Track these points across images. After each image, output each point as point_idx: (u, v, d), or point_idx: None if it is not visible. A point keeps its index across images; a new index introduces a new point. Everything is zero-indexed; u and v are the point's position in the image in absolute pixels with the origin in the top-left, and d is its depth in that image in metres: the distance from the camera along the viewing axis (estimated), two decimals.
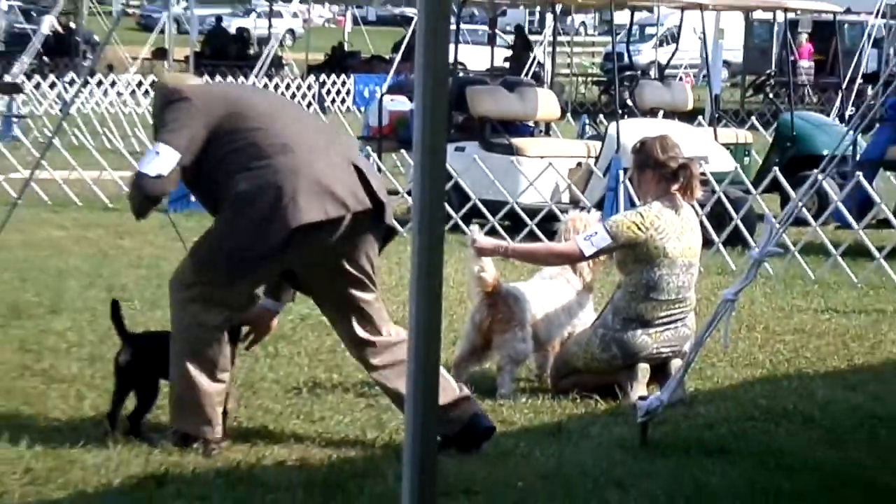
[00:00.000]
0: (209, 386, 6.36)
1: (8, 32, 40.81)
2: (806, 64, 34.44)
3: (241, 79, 29.41)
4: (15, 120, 23.25)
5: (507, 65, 31.23)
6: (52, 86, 26.75)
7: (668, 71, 22.51)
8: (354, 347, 6.55)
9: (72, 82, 27.33)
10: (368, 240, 6.41)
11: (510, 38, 39.69)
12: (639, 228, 7.59)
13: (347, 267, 6.38)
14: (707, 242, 12.27)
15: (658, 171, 7.68)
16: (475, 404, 6.62)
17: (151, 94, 27.44)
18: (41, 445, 6.32)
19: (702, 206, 12.35)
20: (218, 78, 29.23)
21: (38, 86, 26.68)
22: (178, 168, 6.27)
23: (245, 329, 6.70)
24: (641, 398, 7.07)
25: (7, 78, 27.71)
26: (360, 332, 6.47)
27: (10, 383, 7.54)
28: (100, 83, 27.44)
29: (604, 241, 7.58)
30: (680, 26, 19.46)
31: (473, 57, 34.76)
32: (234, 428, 6.73)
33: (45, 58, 35.83)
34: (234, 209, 6.27)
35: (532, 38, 40.52)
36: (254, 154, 6.26)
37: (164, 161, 6.27)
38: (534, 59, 29.16)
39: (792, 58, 24.21)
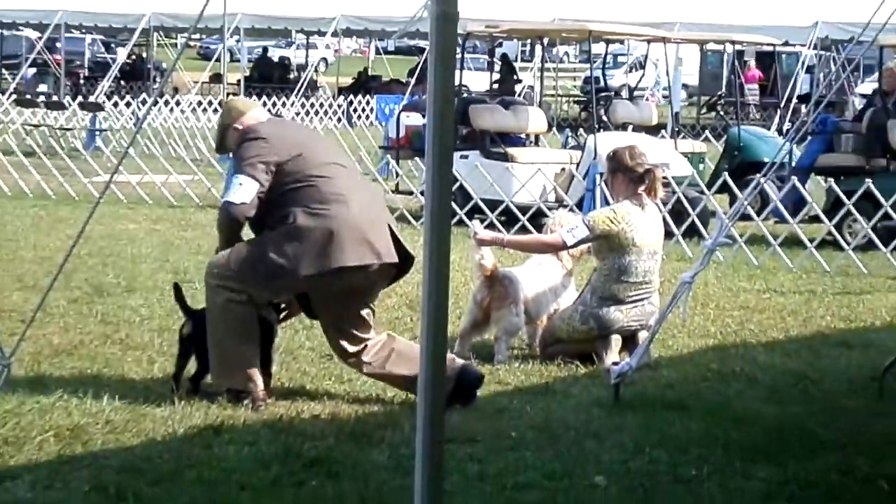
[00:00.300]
0: (245, 349, 6.36)
1: (92, 60, 40.79)
2: (752, 86, 34.34)
3: (284, 98, 29.44)
4: (98, 133, 23.25)
5: (495, 86, 31.10)
6: (128, 105, 26.71)
7: (636, 92, 22.45)
8: (342, 357, 6.58)
9: (144, 102, 27.33)
10: (384, 283, 6.55)
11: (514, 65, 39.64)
12: (612, 222, 7.59)
13: (360, 300, 6.46)
14: (668, 234, 12.25)
15: (627, 175, 7.68)
16: (457, 361, 6.60)
17: (209, 111, 27.50)
18: (119, 401, 6.32)
19: (664, 203, 12.31)
20: (264, 98, 29.27)
21: (116, 105, 26.64)
22: (256, 196, 6.29)
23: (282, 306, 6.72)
24: (614, 363, 7.06)
25: (91, 98, 27.69)
26: (350, 347, 6.52)
27: (93, 350, 7.54)
28: (167, 102, 27.42)
29: (583, 232, 7.59)
30: (646, 56, 19.38)
31: (475, 80, 34.66)
32: (277, 387, 6.73)
33: (121, 81, 35.84)
34: (288, 236, 6.26)
35: (523, 65, 40.44)
36: (315, 197, 6.29)
37: (246, 190, 6.29)
38: (520, 82, 29.01)
39: (739, 81, 24.11)
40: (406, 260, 6.50)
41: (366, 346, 6.53)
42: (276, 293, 6.48)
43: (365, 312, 6.50)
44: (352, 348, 6.52)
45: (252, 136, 6.43)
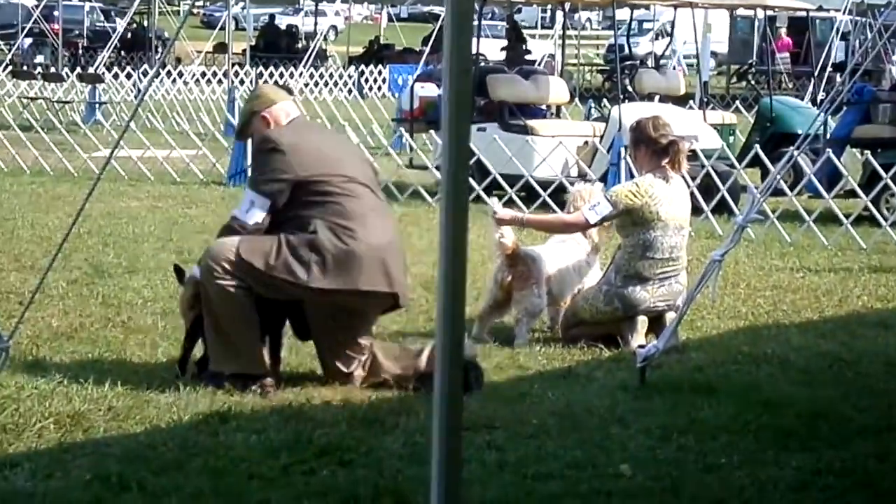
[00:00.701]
0: (245, 333, 6.38)
1: (90, 30, 40.81)
2: (784, 55, 34.19)
3: (291, 69, 29.43)
4: (97, 106, 23.28)
5: (503, 54, 31.04)
6: (129, 76, 26.74)
7: (662, 61, 22.37)
8: (336, 378, 6.60)
9: (145, 73, 27.35)
10: (382, 307, 6.62)
11: (525, 32, 39.51)
12: (635, 196, 7.58)
13: (358, 323, 6.55)
14: (697, 210, 12.22)
15: (651, 147, 7.68)
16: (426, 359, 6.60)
17: (213, 82, 27.49)
18: (121, 387, 6.35)
19: (692, 178, 12.29)
20: (271, 69, 29.24)
21: (116, 76, 26.67)
22: (269, 215, 6.34)
23: None
24: (640, 346, 7.06)
25: (90, 69, 27.72)
26: (343, 368, 6.58)
27: (94, 333, 7.57)
28: (169, 73, 27.44)
29: (606, 209, 7.59)
30: (673, 22, 19.32)
31: (493, 49, 34.60)
32: (286, 373, 6.75)
33: (122, 52, 35.85)
34: (308, 245, 6.30)
35: (544, 32, 40.30)
36: (339, 213, 6.34)
37: (259, 210, 6.34)
38: (529, 52, 28.79)
39: (771, 48, 24.01)
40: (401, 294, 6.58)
41: (359, 363, 6.59)
42: (276, 293, 6.44)
43: (359, 337, 6.57)
44: (345, 369, 6.58)
45: (271, 146, 6.40)
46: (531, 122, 14.49)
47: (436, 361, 3.79)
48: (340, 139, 6.77)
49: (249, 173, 6.55)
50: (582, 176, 13.59)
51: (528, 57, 29.58)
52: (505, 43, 19.79)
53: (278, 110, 6.58)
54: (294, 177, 6.33)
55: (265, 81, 27.43)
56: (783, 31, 35.00)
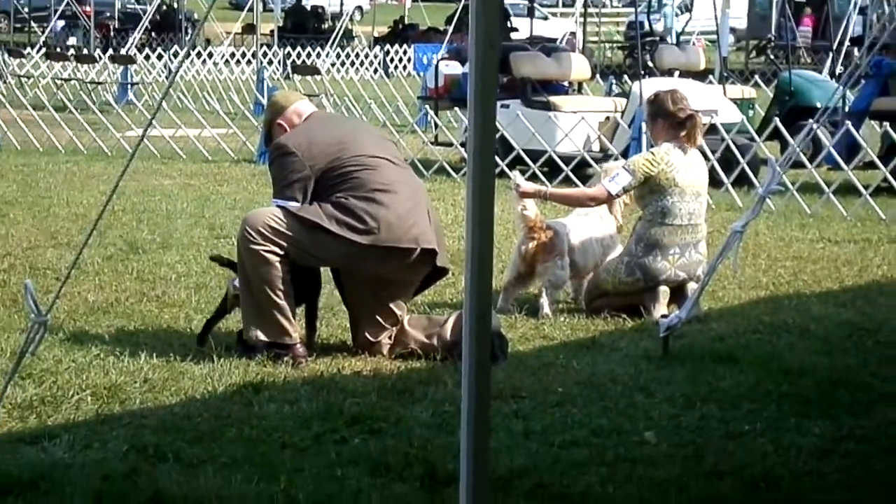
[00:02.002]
0: (280, 302, 6.40)
1: (121, 12, 40.86)
2: (805, 28, 33.96)
3: (318, 49, 29.40)
4: (129, 87, 23.32)
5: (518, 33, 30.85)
6: (160, 57, 26.79)
7: (682, 36, 22.26)
8: (364, 348, 6.63)
9: (176, 54, 27.37)
10: (419, 271, 6.60)
11: (547, 10, 39.39)
12: (652, 164, 7.60)
13: (393, 290, 6.57)
14: (717, 183, 12.19)
15: (668, 120, 7.68)
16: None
17: (242, 63, 27.51)
18: (156, 359, 6.37)
19: (713, 152, 12.25)
20: (298, 49, 29.21)
21: (147, 57, 26.73)
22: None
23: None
24: (663, 316, 7.05)
25: (122, 51, 27.76)
26: (371, 337, 6.61)
27: (129, 307, 7.59)
28: (199, 54, 27.46)
29: (625, 179, 7.60)
30: None
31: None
32: (317, 344, 6.76)
33: (153, 33, 35.88)
34: (339, 207, 6.36)
35: (565, 10, 40.15)
36: (364, 186, 6.41)
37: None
38: (516, 30, 28.48)
39: (789, 24, 23.84)
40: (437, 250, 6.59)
41: (389, 334, 6.62)
42: (313, 256, 6.50)
43: (394, 304, 6.57)
44: (373, 338, 6.60)
45: (281, 152, 6.50)
46: (553, 99, 14.44)
47: (463, 332, 3.79)
48: (355, 124, 6.86)
49: (272, 185, 6.61)
50: (603, 151, 13.56)
51: (513, 35, 29.32)
52: (532, 23, 19.63)
53: (290, 114, 6.68)
54: (309, 172, 6.43)
55: (292, 62, 27.45)
56: (808, 8, 34.74)
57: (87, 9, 33.46)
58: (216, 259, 7.03)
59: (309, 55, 29.19)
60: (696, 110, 7.80)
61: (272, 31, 31.40)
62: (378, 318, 6.58)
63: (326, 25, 37.73)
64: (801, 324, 7.40)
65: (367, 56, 30.76)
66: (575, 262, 7.80)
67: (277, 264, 6.38)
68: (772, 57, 22.79)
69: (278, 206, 6.43)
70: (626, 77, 19.62)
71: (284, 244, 6.37)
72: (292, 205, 6.40)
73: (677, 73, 15.25)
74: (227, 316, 6.79)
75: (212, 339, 6.64)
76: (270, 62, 28.10)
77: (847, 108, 13.96)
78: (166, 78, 25.49)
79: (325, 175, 6.43)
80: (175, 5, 37.35)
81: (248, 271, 6.42)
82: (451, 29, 24.68)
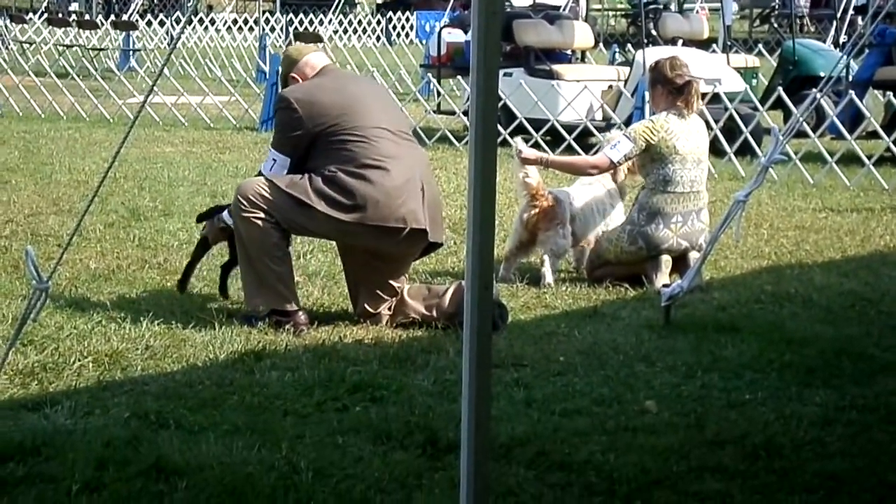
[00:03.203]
0: (279, 269, 6.42)
1: None
2: None
3: (321, 16, 29.30)
4: (131, 53, 23.26)
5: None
6: (161, 24, 26.70)
7: (686, 5, 22.16)
8: (363, 316, 6.63)
9: (178, 20, 27.29)
10: (411, 248, 6.58)
11: None
12: (652, 132, 7.60)
13: (388, 267, 6.58)
14: (720, 152, 12.17)
15: (667, 87, 7.69)
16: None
17: (245, 30, 27.43)
18: (158, 326, 6.37)
19: (716, 121, 12.21)
20: (301, 16, 29.12)
21: (149, 24, 26.64)
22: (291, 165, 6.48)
23: None
24: (665, 285, 7.05)
25: (124, 17, 27.69)
26: (370, 308, 6.60)
27: (131, 275, 7.59)
28: (201, 21, 27.37)
29: (626, 146, 7.60)
30: None
31: None
32: (318, 312, 6.77)
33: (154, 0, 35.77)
34: (329, 182, 6.34)
35: None
36: (356, 160, 6.38)
37: (280, 167, 6.48)
38: None
39: None
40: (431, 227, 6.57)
41: (388, 305, 6.62)
42: (302, 227, 6.52)
43: (390, 276, 6.58)
44: (372, 310, 6.60)
45: (284, 104, 6.52)
46: (556, 67, 14.39)
47: (465, 301, 3.78)
48: (365, 88, 6.73)
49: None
50: (606, 120, 13.52)
51: (516, 2, 29.11)
52: None
53: (302, 66, 6.68)
54: (306, 132, 6.43)
55: (294, 29, 27.37)
56: None
57: None
58: (201, 218, 7.03)
59: (311, 22, 29.10)
60: (694, 77, 7.79)
61: None
62: (376, 290, 6.58)
63: None
64: (804, 293, 7.39)
65: (369, 23, 30.66)
66: (574, 230, 7.79)
67: (271, 230, 6.38)
68: (775, 25, 22.73)
69: (266, 179, 6.42)
70: (629, 45, 19.56)
71: (274, 212, 6.37)
72: (282, 178, 6.38)
73: (681, 41, 15.20)
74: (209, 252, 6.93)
75: (212, 308, 6.64)
76: (273, 29, 28.01)
77: (850, 78, 13.92)
78: (168, 44, 25.41)
79: (322, 137, 6.41)
80: None
81: (245, 240, 6.42)
82: None
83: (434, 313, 6.56)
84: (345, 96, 6.53)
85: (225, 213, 6.70)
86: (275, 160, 6.49)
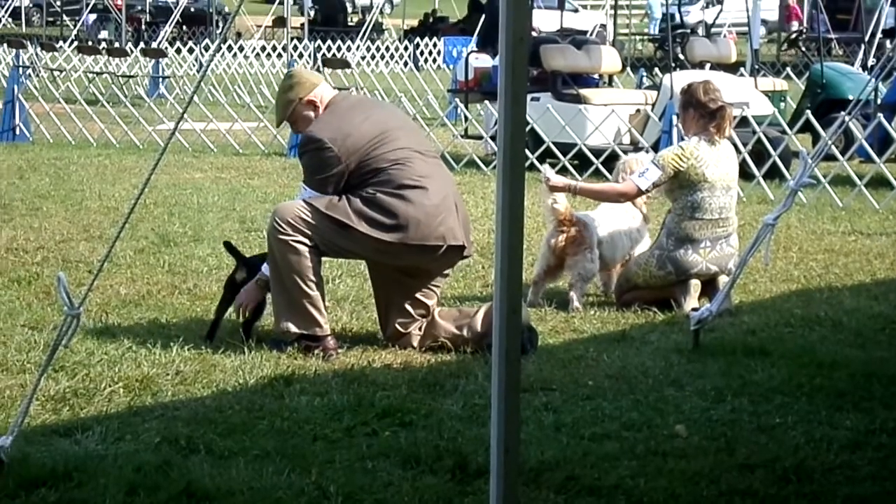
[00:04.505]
0: (313, 293, 6.41)
1: (153, 5, 41.01)
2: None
3: (349, 42, 29.41)
4: (161, 80, 23.41)
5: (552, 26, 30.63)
6: (191, 51, 26.86)
7: (713, 29, 22.16)
8: (393, 340, 6.64)
9: (207, 47, 27.45)
10: (447, 263, 6.63)
11: (577, 3, 39.28)
12: (681, 159, 7.58)
13: (419, 281, 6.58)
14: (748, 176, 12.14)
15: (699, 111, 7.67)
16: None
17: (273, 56, 27.55)
18: (188, 352, 6.40)
19: (744, 144, 12.20)
20: (328, 42, 29.22)
21: (178, 51, 26.80)
22: None
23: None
24: (694, 309, 7.03)
25: (153, 44, 27.86)
26: (401, 328, 6.61)
27: (161, 300, 7.63)
28: (230, 48, 27.52)
29: (655, 174, 7.58)
30: None
31: (545, 20, 34.41)
32: (347, 337, 6.78)
33: (183, 27, 36.00)
34: (368, 202, 6.36)
35: (595, 2, 40.01)
36: (394, 182, 6.40)
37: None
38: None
39: (822, 15, 23.72)
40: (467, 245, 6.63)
41: (419, 325, 6.62)
42: (342, 250, 6.53)
43: (421, 294, 6.58)
44: (403, 330, 6.60)
45: (316, 146, 6.44)
46: (584, 91, 14.40)
47: (493, 325, 3.79)
48: (385, 114, 6.72)
49: (304, 173, 6.60)
50: (634, 144, 13.51)
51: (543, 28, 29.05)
52: (562, 15, 19.61)
53: (320, 92, 6.61)
54: (343, 168, 6.42)
55: (322, 55, 27.48)
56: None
57: (119, 2, 33.62)
58: (228, 246, 7.04)
59: (339, 48, 29.21)
60: (727, 102, 7.78)
61: (302, 25, 31.44)
62: (408, 308, 6.58)
63: (352, 18, 37.67)
64: (834, 317, 7.36)
65: (396, 49, 30.76)
66: (603, 255, 7.79)
67: (307, 254, 6.39)
68: (803, 49, 22.68)
69: (306, 201, 6.44)
70: (656, 69, 19.55)
71: (313, 235, 6.39)
72: (321, 200, 6.40)
73: (708, 65, 15.18)
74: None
75: (242, 332, 6.66)
76: (301, 55, 28.13)
77: (879, 101, 13.88)
78: (197, 71, 25.55)
79: (359, 168, 6.43)
80: None
81: (279, 262, 6.43)
82: (481, 21, 24.61)
83: (465, 333, 6.56)
84: (373, 124, 6.54)
85: (264, 267, 6.62)
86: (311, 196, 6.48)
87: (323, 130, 6.49)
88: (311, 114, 6.59)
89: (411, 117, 14.51)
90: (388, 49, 30.42)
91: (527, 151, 12.90)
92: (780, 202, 6.86)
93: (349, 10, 40.08)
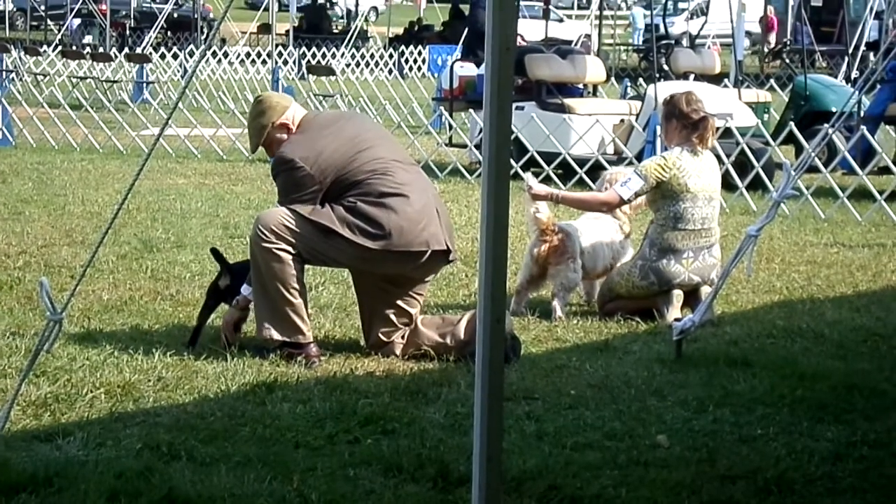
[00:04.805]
0: (295, 300, 6.41)
1: (137, 11, 40.96)
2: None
3: (333, 49, 29.42)
4: (145, 85, 23.37)
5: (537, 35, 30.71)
6: (175, 56, 26.84)
7: (698, 40, 22.23)
8: (376, 348, 6.63)
9: (191, 53, 27.42)
10: (431, 269, 6.64)
11: (562, 13, 39.38)
12: (663, 169, 7.60)
13: (402, 288, 6.57)
14: (732, 187, 12.18)
15: (682, 122, 7.69)
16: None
17: (258, 63, 27.51)
18: (170, 357, 6.39)
19: (727, 155, 12.23)
20: (313, 49, 29.21)
21: (163, 56, 26.77)
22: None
23: None
24: (676, 320, 7.05)
25: (138, 50, 27.82)
26: (384, 337, 6.60)
27: (144, 306, 7.61)
28: (214, 54, 27.51)
29: (637, 184, 7.60)
30: (708, 1, 19.17)
31: (530, 29, 34.47)
32: (330, 344, 6.77)
33: (168, 32, 35.97)
34: (351, 211, 6.36)
35: (580, 12, 40.10)
36: (375, 192, 6.40)
37: None
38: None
39: (805, 28, 23.81)
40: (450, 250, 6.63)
41: (402, 333, 6.62)
42: (326, 257, 6.52)
43: (404, 302, 6.59)
44: (386, 339, 6.60)
45: (288, 166, 6.43)
46: (568, 101, 14.44)
47: (477, 334, 3.80)
48: (355, 124, 6.68)
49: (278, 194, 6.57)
50: (618, 154, 13.54)
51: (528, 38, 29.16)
52: (547, 24, 19.67)
53: (292, 113, 6.62)
54: (319, 186, 6.41)
55: (307, 62, 27.49)
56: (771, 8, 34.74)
57: (103, 7, 33.56)
58: (214, 252, 7.02)
59: (324, 55, 29.22)
60: (710, 113, 7.81)
61: (287, 31, 31.45)
62: (391, 316, 6.58)
63: (341, 26, 37.71)
64: (815, 328, 7.39)
65: (381, 57, 30.78)
66: (585, 264, 7.80)
67: (290, 262, 6.39)
68: (787, 61, 22.76)
69: (289, 208, 6.43)
70: (641, 80, 19.59)
71: (297, 243, 6.38)
72: (304, 206, 6.40)
73: (692, 76, 15.24)
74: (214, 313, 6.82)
75: (225, 338, 6.65)
76: (286, 62, 28.14)
77: (862, 113, 13.94)
78: (182, 77, 25.53)
79: (336, 183, 6.42)
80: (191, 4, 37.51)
81: (262, 269, 6.43)
82: (466, 30, 24.65)
83: (448, 341, 6.56)
84: (347, 138, 6.53)
85: (244, 288, 6.61)
86: None
87: (295, 150, 6.46)
88: (285, 136, 6.59)
89: (395, 125, 14.58)
90: (372, 57, 30.45)
91: (511, 160, 12.93)
92: (763, 213, 6.87)
93: (335, 17, 40.05)
